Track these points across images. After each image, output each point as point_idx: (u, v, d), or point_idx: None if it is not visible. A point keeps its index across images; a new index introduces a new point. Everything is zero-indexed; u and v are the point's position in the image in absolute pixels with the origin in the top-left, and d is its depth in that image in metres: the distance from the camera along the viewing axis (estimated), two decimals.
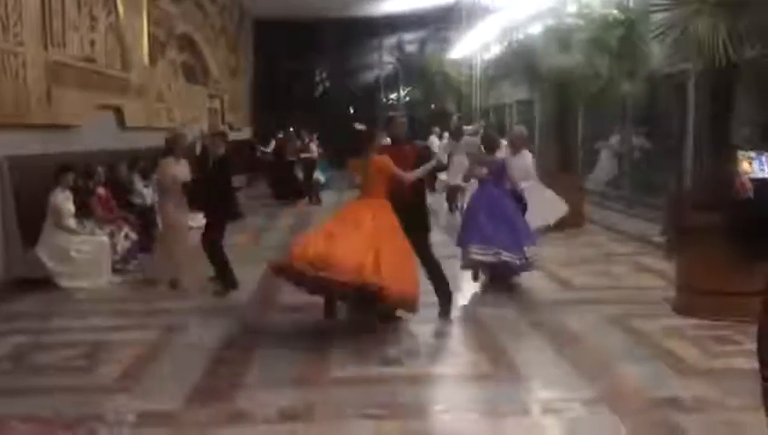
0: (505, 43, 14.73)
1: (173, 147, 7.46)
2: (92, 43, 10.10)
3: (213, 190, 7.05)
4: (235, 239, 8.97)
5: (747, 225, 3.21)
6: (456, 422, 3.95)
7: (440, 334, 5.54)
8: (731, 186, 3.31)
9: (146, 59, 12.54)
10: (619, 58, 9.87)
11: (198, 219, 11.50)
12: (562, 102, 11.48)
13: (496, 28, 16.23)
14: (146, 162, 10.45)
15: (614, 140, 13.02)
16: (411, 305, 5.52)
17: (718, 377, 4.44)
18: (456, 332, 5.71)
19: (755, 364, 4.70)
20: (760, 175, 3.17)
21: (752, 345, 5.10)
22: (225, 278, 7.02)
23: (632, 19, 9.69)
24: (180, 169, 7.32)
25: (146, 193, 9.92)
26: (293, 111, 22.40)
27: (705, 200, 5.77)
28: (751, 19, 5.53)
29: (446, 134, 15.71)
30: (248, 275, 7.26)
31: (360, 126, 6.87)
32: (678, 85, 9.62)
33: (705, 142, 6.20)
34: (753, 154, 3.24)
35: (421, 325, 5.72)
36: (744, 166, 3.18)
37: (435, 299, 6.66)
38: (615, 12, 10.09)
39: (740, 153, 3.36)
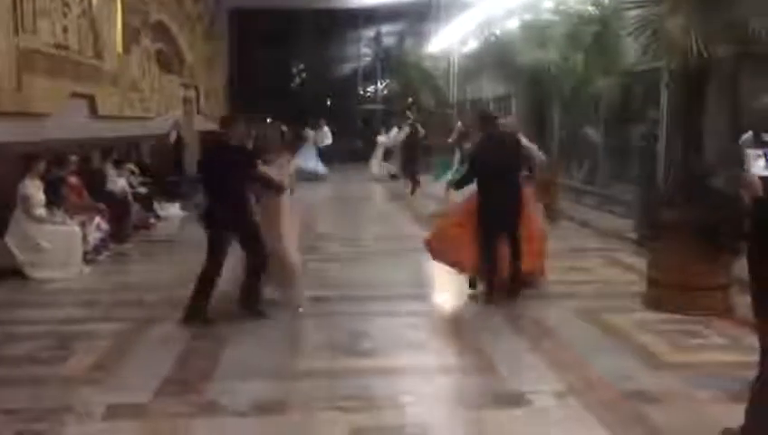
0: (483, 38, 14.80)
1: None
2: (65, 30, 9.92)
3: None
4: None
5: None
6: (427, 414, 3.96)
7: (412, 326, 5.56)
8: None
9: (119, 47, 12.35)
10: (594, 54, 9.95)
11: (173, 208, 11.51)
12: (538, 98, 11.56)
13: (474, 23, 16.28)
14: (119, 152, 10.36)
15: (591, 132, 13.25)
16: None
17: (687, 370, 4.52)
18: (429, 324, 5.73)
19: (722, 357, 4.81)
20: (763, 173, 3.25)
21: (719, 339, 5.23)
22: None
23: (607, 16, 9.76)
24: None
25: (120, 183, 9.82)
26: (270, 102, 22.27)
27: (680, 197, 5.86)
28: (722, 18, 5.60)
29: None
30: None
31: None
32: (651, 82, 9.72)
33: (678, 139, 6.29)
34: (759, 152, 3.30)
35: (392, 318, 5.74)
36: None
37: (409, 291, 6.71)
38: (590, 8, 10.17)
39: (748, 151, 3.44)
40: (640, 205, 8.73)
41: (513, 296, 6.22)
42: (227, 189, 5.66)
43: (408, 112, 18.80)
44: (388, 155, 18.67)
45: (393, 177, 17.44)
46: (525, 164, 6.68)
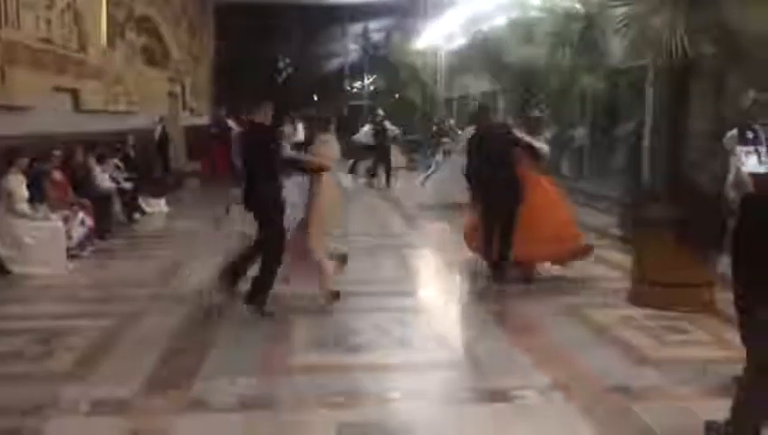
0: (470, 35, 14.84)
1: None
2: (48, 23, 9.82)
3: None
4: None
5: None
6: (414, 411, 3.97)
7: (400, 323, 5.56)
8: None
9: (104, 40, 12.25)
10: (580, 52, 10.00)
11: (159, 204, 11.44)
12: (525, 94, 11.60)
13: (461, 19, 16.31)
14: (104, 147, 10.28)
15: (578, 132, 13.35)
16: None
17: (670, 366, 4.56)
18: (416, 321, 5.74)
19: (706, 353, 4.85)
20: (755, 170, 3.26)
21: (702, 335, 5.27)
22: None
23: (593, 13, 9.82)
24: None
25: (104, 178, 9.75)
26: (256, 98, 22.15)
27: (665, 194, 5.90)
28: (707, 16, 5.65)
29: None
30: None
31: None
32: (637, 80, 9.79)
33: (662, 137, 6.33)
34: (750, 148, 3.32)
35: (380, 314, 5.74)
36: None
37: (395, 287, 6.72)
38: (577, 6, 10.22)
39: (738, 149, 3.47)
40: (625, 202, 8.79)
41: (497, 280, 6.54)
42: (259, 170, 5.59)
43: (378, 111, 18.94)
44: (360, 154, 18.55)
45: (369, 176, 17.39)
46: (527, 156, 6.83)
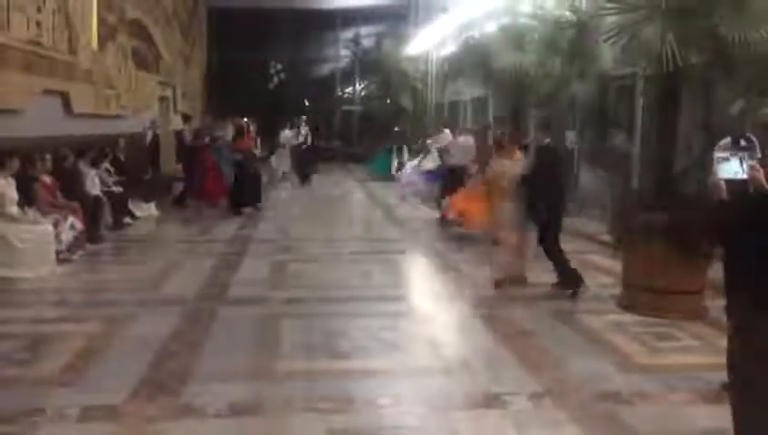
0: (461, 41, 14.87)
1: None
2: (39, 25, 9.77)
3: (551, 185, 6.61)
4: None
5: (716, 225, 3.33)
6: (404, 416, 3.97)
7: (389, 328, 5.57)
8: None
9: (95, 43, 12.20)
10: (570, 59, 10.05)
11: (148, 208, 11.39)
12: (515, 101, 11.63)
13: (452, 25, 16.36)
14: (95, 150, 10.22)
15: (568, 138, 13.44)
16: None
17: (660, 372, 4.58)
18: (406, 326, 5.74)
19: (695, 360, 4.88)
20: (734, 176, 3.28)
21: (692, 341, 5.30)
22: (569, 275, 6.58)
23: (584, 21, 9.86)
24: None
25: (95, 182, 9.69)
26: (247, 102, 22.15)
27: (653, 200, 5.94)
28: (697, 26, 5.70)
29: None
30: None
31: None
32: (627, 87, 9.84)
33: (652, 143, 6.38)
34: (726, 154, 3.35)
35: (370, 319, 5.75)
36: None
37: (385, 292, 6.73)
38: (567, 13, 10.26)
39: (716, 155, 3.51)
40: (615, 208, 8.84)
41: None
42: None
43: (302, 117, 19.45)
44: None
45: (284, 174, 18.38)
46: None
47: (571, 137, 13.34)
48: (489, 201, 7.41)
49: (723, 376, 3.44)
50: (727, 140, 3.90)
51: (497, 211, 7.09)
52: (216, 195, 12.58)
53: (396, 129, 20.27)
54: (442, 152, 12.37)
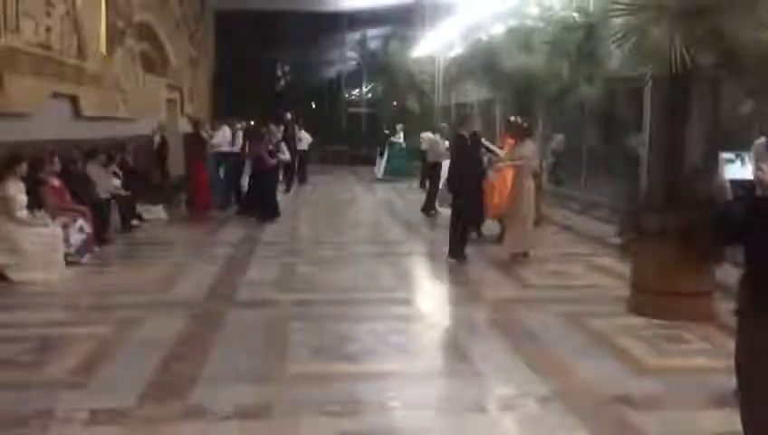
0: (468, 43, 14.86)
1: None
2: (48, 30, 9.82)
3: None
4: None
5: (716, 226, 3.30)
6: (413, 419, 3.96)
7: (398, 331, 5.56)
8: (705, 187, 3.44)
9: (103, 47, 12.25)
10: (578, 60, 10.02)
11: (156, 211, 11.42)
12: (523, 103, 11.61)
13: (459, 27, 16.34)
14: (103, 153, 10.25)
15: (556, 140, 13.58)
16: None
17: (669, 375, 4.56)
18: (415, 329, 5.74)
19: (705, 362, 4.85)
20: (739, 176, 3.26)
21: (701, 344, 5.27)
22: None
23: (592, 23, 9.84)
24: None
25: (103, 185, 9.71)
26: (254, 104, 22.19)
27: (662, 202, 5.91)
28: (706, 27, 5.67)
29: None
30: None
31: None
32: (635, 89, 9.81)
33: (661, 145, 6.35)
34: (732, 155, 3.34)
35: (379, 323, 5.74)
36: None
37: (395, 296, 6.73)
38: (575, 15, 10.24)
39: (720, 156, 3.49)
40: (623, 210, 8.79)
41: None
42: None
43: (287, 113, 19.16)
44: None
45: None
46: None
47: (559, 138, 13.44)
48: (513, 182, 8.42)
49: (734, 380, 3.42)
50: (762, 139, 3.84)
51: (520, 190, 8.19)
52: (205, 206, 12.27)
53: (400, 125, 20.20)
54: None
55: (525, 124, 8.84)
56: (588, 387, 4.37)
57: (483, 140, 9.54)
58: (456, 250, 8.17)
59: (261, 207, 11.66)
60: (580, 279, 7.46)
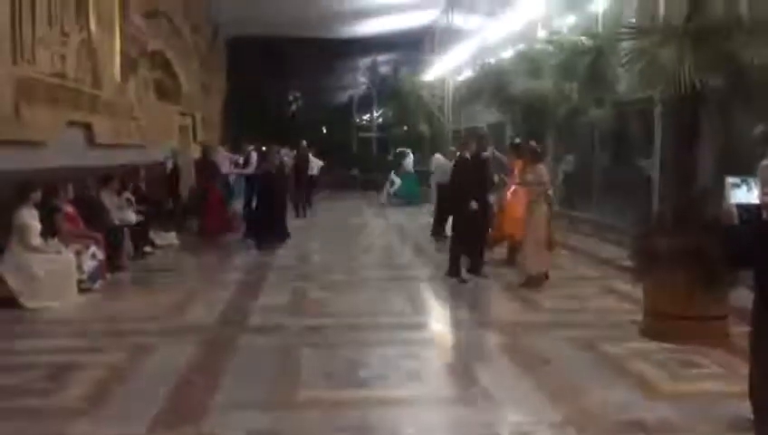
0: (477, 67, 14.97)
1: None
2: (63, 59, 9.99)
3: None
4: None
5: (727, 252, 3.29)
6: None
7: (410, 357, 5.54)
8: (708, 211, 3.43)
9: (117, 75, 12.44)
10: (587, 84, 10.06)
11: (170, 237, 11.48)
12: (532, 126, 11.65)
13: (469, 52, 16.47)
14: (120, 181, 10.34)
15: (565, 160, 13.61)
16: None
17: (683, 400, 4.50)
18: (426, 354, 5.71)
19: (720, 387, 4.79)
20: (745, 201, 3.25)
21: (716, 369, 5.21)
22: None
23: (600, 46, 9.89)
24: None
25: (122, 213, 9.77)
26: (266, 130, 22.35)
27: (673, 225, 5.88)
28: (714, 49, 5.69)
29: None
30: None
31: None
32: (645, 111, 9.82)
33: (671, 168, 6.33)
34: (738, 180, 3.34)
35: (390, 348, 5.72)
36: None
37: (406, 321, 6.71)
38: (584, 39, 10.31)
39: (726, 180, 3.48)
40: (635, 233, 8.76)
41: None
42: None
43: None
44: None
45: None
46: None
47: (569, 159, 13.44)
48: (526, 206, 8.42)
49: (748, 404, 3.38)
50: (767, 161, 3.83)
51: (536, 213, 8.18)
52: (219, 231, 12.32)
53: (408, 150, 20.32)
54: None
55: (539, 148, 8.83)
56: (601, 412, 4.33)
57: (495, 154, 9.67)
58: (453, 269, 8.57)
59: (265, 229, 11.54)
60: (592, 303, 7.41)
